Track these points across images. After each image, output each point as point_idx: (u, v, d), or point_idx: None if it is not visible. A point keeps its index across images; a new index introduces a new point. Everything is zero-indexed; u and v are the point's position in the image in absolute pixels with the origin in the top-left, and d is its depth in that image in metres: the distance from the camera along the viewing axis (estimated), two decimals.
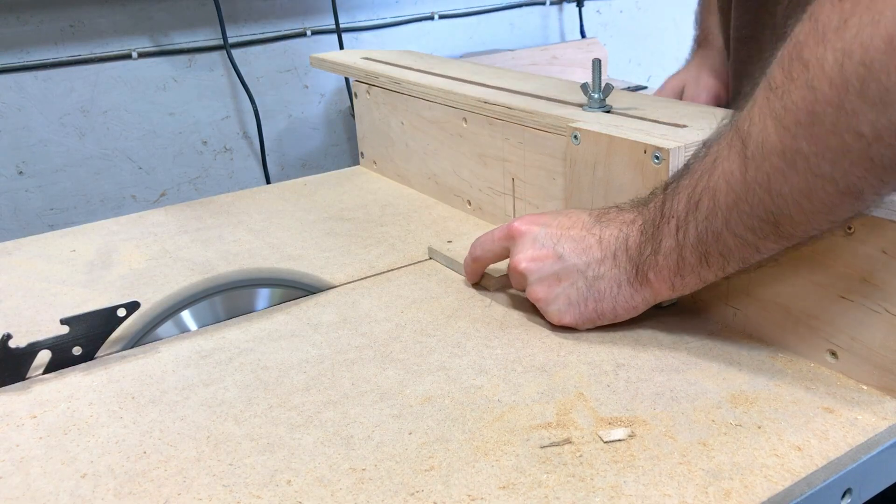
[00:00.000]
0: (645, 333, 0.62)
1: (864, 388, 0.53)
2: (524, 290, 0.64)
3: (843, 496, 0.49)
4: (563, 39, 2.05)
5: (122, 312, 0.63)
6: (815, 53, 0.44)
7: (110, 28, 1.46)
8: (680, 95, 1.01)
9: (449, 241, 0.80)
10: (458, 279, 0.73)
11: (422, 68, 1.00)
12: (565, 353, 0.60)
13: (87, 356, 0.63)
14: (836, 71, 0.43)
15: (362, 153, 1.11)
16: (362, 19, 1.72)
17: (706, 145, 0.54)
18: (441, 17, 1.83)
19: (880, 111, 0.42)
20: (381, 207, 0.94)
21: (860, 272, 0.51)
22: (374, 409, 0.54)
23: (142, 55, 1.50)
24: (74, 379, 0.60)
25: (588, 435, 0.50)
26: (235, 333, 0.66)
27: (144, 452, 0.51)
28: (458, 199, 0.92)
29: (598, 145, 0.67)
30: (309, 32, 1.66)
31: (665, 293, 0.58)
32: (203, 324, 0.69)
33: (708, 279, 0.55)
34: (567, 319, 0.61)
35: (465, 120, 0.86)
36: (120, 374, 0.61)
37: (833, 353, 0.55)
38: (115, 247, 0.87)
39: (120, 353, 0.64)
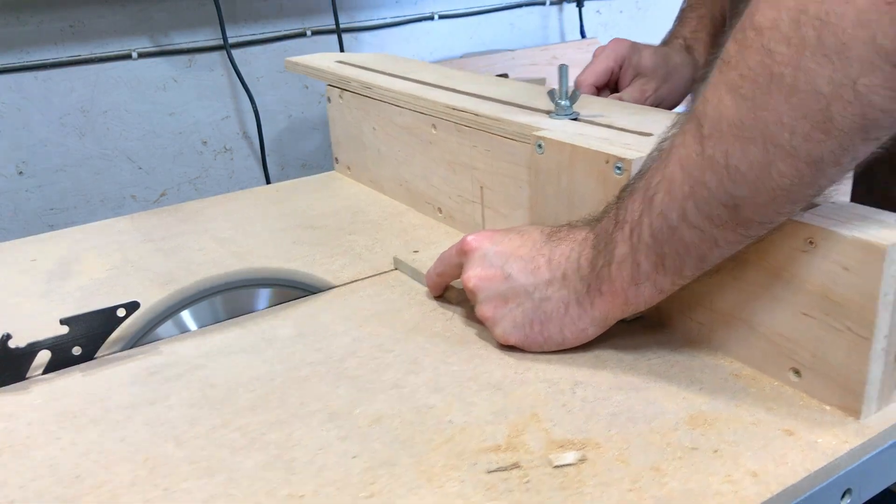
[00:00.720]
0: (607, 349, 0.60)
1: (827, 408, 0.51)
2: None
3: (843, 496, 0.49)
4: (563, 39, 2.04)
5: (121, 312, 0.63)
6: (768, 16, 0.43)
7: (110, 28, 1.45)
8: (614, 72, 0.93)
9: (415, 252, 0.78)
10: (423, 290, 0.72)
11: (395, 73, 0.98)
12: (523, 371, 0.58)
13: (87, 356, 0.63)
14: (792, 29, 0.42)
15: (336, 158, 1.09)
16: (362, 19, 1.72)
17: (660, 144, 0.53)
18: (441, 17, 1.83)
19: (838, 66, 0.41)
20: (352, 215, 0.93)
21: (822, 288, 0.50)
22: (321, 430, 0.52)
23: (142, 55, 1.49)
24: (14, 398, 0.58)
25: (538, 459, 0.48)
26: (188, 348, 0.64)
27: (78, 476, 0.49)
28: (429, 206, 0.90)
29: (561, 154, 0.65)
30: (309, 32, 1.65)
31: (618, 310, 0.56)
32: (203, 324, 0.68)
33: (664, 287, 0.53)
34: (512, 341, 0.59)
35: (434, 126, 0.84)
36: (64, 391, 0.59)
37: (796, 372, 0.53)
38: (76, 256, 0.85)
39: (77, 368, 0.62)
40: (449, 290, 0.69)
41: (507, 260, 0.59)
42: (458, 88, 0.87)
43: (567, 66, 0.70)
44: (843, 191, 0.65)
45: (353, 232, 0.87)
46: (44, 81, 1.42)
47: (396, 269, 0.77)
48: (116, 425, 0.54)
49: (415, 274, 0.74)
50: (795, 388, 0.53)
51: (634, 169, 0.58)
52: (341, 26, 1.65)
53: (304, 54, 1.54)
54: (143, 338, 0.66)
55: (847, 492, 0.49)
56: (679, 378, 0.56)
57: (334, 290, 0.73)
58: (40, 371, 0.61)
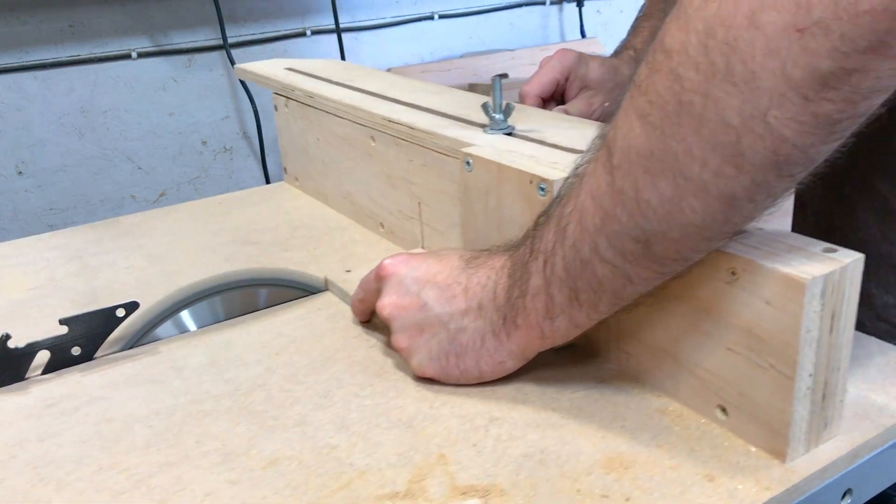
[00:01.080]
0: (530, 381, 0.56)
1: (753, 449, 0.48)
2: None
3: (844, 496, 0.47)
4: (563, 39, 2.03)
5: (121, 313, 0.62)
6: (677, 38, 0.39)
7: (110, 28, 1.43)
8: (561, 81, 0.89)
9: (348, 271, 0.74)
10: (351, 314, 0.68)
11: (341, 81, 0.95)
12: (439, 405, 0.54)
13: (87, 356, 0.63)
14: (701, 54, 0.38)
15: (285, 168, 1.05)
16: (362, 19, 1.70)
17: (576, 169, 0.49)
18: (441, 17, 1.82)
19: (747, 97, 0.37)
20: (292, 229, 0.89)
21: (746, 323, 0.46)
22: (212, 473, 0.49)
23: (141, 55, 1.48)
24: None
25: None
26: (93, 378, 0.61)
27: None
28: (371, 221, 0.86)
29: (489, 173, 0.62)
30: (309, 32, 1.64)
31: (535, 343, 0.52)
32: (203, 324, 0.68)
33: (580, 322, 0.50)
34: (428, 373, 0.55)
35: (373, 139, 0.81)
36: None
37: (723, 410, 0.49)
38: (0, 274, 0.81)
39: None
40: (376, 315, 0.66)
41: (424, 287, 0.56)
42: (399, 99, 0.83)
43: (500, 78, 0.67)
44: (785, 209, 0.62)
45: (289, 248, 0.83)
46: (43, 81, 1.41)
47: (328, 290, 0.74)
48: None
49: (344, 296, 0.71)
50: (723, 426, 0.50)
51: (558, 189, 0.55)
52: (341, 26, 1.63)
53: (304, 54, 1.52)
54: (142, 338, 0.66)
55: (847, 492, 0.47)
56: (601, 414, 0.52)
57: (257, 313, 0.69)
58: (39, 371, 0.61)
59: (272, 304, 0.70)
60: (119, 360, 0.63)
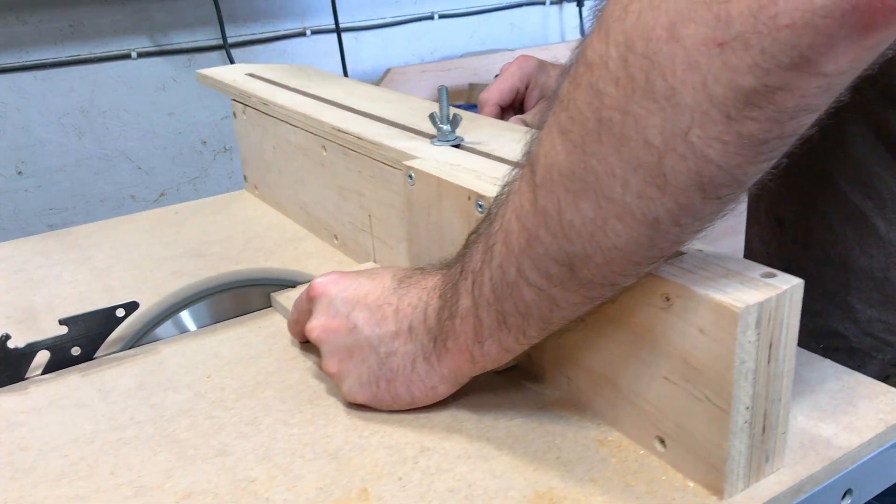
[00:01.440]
0: (467, 407, 0.54)
1: (691, 484, 0.45)
2: None
3: (844, 496, 0.47)
4: (563, 39, 2.01)
5: (120, 313, 0.62)
6: (598, 51, 0.37)
7: (110, 28, 1.42)
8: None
9: (293, 287, 0.72)
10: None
11: (299, 87, 0.92)
12: (368, 434, 0.52)
13: (86, 356, 0.62)
14: (620, 68, 0.36)
15: (245, 177, 1.03)
16: (362, 19, 1.69)
17: (505, 185, 0.46)
18: (441, 16, 1.80)
19: (668, 114, 0.35)
20: (245, 241, 0.86)
21: (681, 352, 0.44)
22: None
23: (141, 55, 1.47)
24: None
25: None
26: (14, 401, 0.58)
27: None
28: (326, 232, 0.84)
29: (430, 187, 0.59)
30: (309, 32, 1.62)
31: (466, 368, 0.50)
32: (203, 324, 0.68)
33: (510, 346, 0.48)
34: (360, 400, 0.53)
35: (324, 148, 0.78)
36: None
37: (661, 441, 0.47)
38: None
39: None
40: None
41: (354, 308, 0.53)
42: (352, 107, 0.81)
43: (446, 88, 0.64)
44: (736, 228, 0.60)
45: (239, 261, 0.81)
46: (43, 81, 1.39)
47: (271, 307, 0.71)
48: None
49: (286, 313, 0.68)
50: (661, 458, 0.47)
51: None
52: (341, 26, 1.61)
53: (304, 54, 1.50)
54: (142, 338, 0.65)
55: (848, 492, 0.47)
56: (536, 444, 0.50)
57: (192, 333, 0.67)
58: (39, 371, 0.60)
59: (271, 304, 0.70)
60: (118, 360, 0.62)
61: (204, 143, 1.57)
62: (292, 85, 0.93)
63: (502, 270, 0.44)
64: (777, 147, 0.36)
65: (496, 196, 0.48)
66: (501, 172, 0.57)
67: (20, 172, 1.41)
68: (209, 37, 1.51)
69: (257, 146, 0.95)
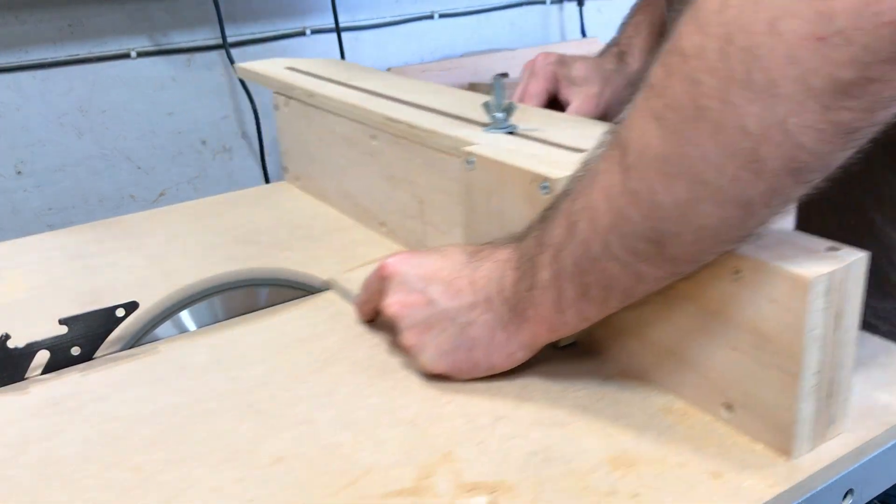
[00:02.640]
0: (534, 379, 0.56)
1: (759, 447, 0.48)
2: None
3: (845, 497, 0.48)
4: (563, 39, 2.03)
5: (120, 312, 0.62)
6: (695, 42, 0.39)
7: (109, 27, 1.43)
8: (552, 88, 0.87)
9: (350, 270, 0.74)
10: (353, 313, 0.68)
11: (342, 80, 0.95)
12: (443, 404, 0.54)
13: (86, 356, 0.62)
14: (719, 59, 0.38)
15: (286, 168, 1.05)
16: (362, 19, 1.70)
17: (586, 164, 0.49)
18: (441, 16, 1.81)
19: (766, 104, 0.37)
20: (292, 229, 0.89)
21: (750, 322, 0.46)
22: (218, 471, 0.49)
23: (140, 54, 1.48)
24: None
25: None
26: (96, 376, 0.60)
27: None
28: (373, 220, 0.86)
29: (490, 172, 0.62)
30: (308, 32, 1.64)
31: (545, 335, 0.52)
32: (203, 324, 0.68)
33: (590, 316, 0.50)
34: (439, 369, 0.55)
35: (374, 137, 0.81)
36: None
37: (728, 408, 0.50)
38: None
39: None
40: (379, 315, 0.66)
41: (429, 283, 0.56)
42: (400, 98, 0.83)
43: (501, 77, 0.67)
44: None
45: (289, 248, 0.83)
46: (42, 81, 1.40)
47: (330, 289, 0.73)
48: (3, 464, 0.50)
49: (346, 295, 0.71)
50: (727, 424, 0.50)
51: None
52: (341, 26, 1.62)
53: (303, 53, 1.52)
54: (142, 338, 0.65)
55: (849, 492, 0.47)
56: (605, 413, 0.52)
57: (258, 312, 0.69)
58: (39, 371, 0.60)
59: (272, 304, 0.70)
60: (119, 359, 0.63)
61: (203, 143, 1.58)
62: (335, 77, 0.96)
63: (586, 246, 0.47)
64: (866, 134, 0.38)
65: (574, 173, 0.50)
66: (560, 157, 0.60)
67: (19, 172, 1.42)
68: (208, 36, 1.53)
69: (300, 137, 0.97)
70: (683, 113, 0.40)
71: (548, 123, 0.70)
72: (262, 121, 1.57)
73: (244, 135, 1.61)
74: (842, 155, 0.39)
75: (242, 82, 1.51)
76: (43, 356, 0.60)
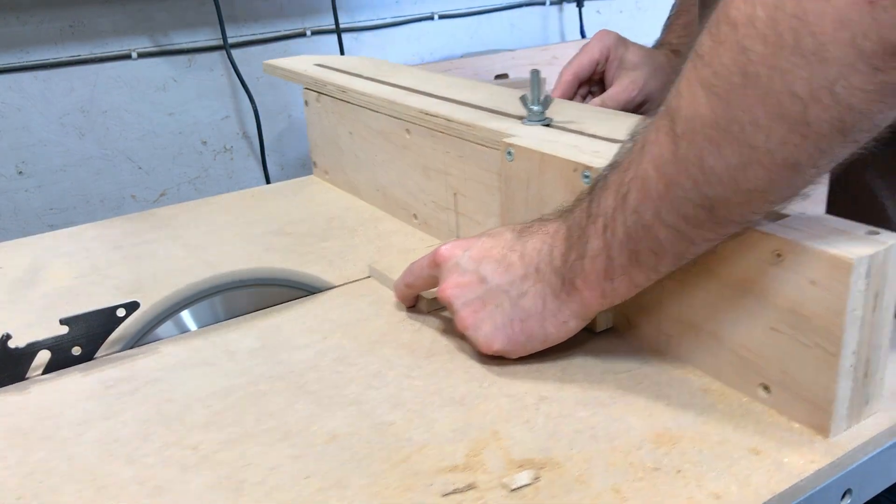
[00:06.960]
0: (574, 362, 0.58)
1: (796, 425, 0.50)
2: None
3: (844, 497, 0.48)
4: (563, 39, 2.03)
5: (121, 312, 0.63)
6: (743, 11, 0.41)
7: (110, 28, 1.45)
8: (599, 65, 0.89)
9: (389, 258, 0.76)
10: (394, 299, 0.70)
11: (372, 76, 0.97)
12: (488, 385, 0.56)
13: (87, 356, 0.63)
14: (768, 27, 0.40)
15: (315, 162, 1.07)
16: (362, 19, 1.71)
17: (633, 137, 0.51)
18: (441, 17, 1.82)
19: (815, 68, 0.39)
20: (326, 221, 0.91)
21: (790, 303, 0.48)
22: (275, 448, 0.51)
23: (141, 55, 1.49)
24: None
25: (495, 480, 0.46)
26: (147, 361, 0.63)
27: (20, 498, 0.47)
28: (405, 212, 0.88)
29: (530, 162, 0.64)
30: (309, 32, 1.64)
31: (595, 303, 0.54)
32: (203, 324, 0.68)
33: (640, 282, 0.52)
34: (496, 346, 0.57)
35: (408, 131, 0.83)
36: (17, 406, 0.57)
37: (765, 388, 0.51)
38: (45, 263, 0.83)
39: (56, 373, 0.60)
40: (420, 301, 0.68)
41: (481, 263, 0.57)
42: (433, 93, 0.85)
43: (539, 72, 0.68)
44: (818, 199, 0.64)
45: (326, 238, 0.85)
46: (43, 81, 1.42)
47: (370, 276, 0.75)
48: (66, 443, 0.53)
49: (387, 282, 0.72)
50: (764, 404, 0.52)
51: None
52: (341, 26, 1.64)
53: (303, 54, 1.53)
54: (143, 338, 0.66)
55: (847, 492, 0.48)
56: (646, 393, 0.54)
57: (302, 299, 0.71)
58: (40, 371, 0.61)
59: (272, 304, 0.71)
60: (125, 357, 0.63)
61: (204, 143, 1.59)
62: (365, 73, 0.98)
63: (638, 215, 0.49)
64: None
65: (621, 147, 0.52)
66: (598, 147, 0.62)
67: (20, 172, 1.43)
68: (209, 37, 1.54)
69: (331, 132, 0.99)
70: (732, 80, 0.42)
71: (583, 116, 0.72)
72: (262, 121, 1.58)
73: (245, 135, 1.63)
74: (891, 114, 0.40)
75: (243, 83, 1.52)
76: (44, 356, 0.61)
